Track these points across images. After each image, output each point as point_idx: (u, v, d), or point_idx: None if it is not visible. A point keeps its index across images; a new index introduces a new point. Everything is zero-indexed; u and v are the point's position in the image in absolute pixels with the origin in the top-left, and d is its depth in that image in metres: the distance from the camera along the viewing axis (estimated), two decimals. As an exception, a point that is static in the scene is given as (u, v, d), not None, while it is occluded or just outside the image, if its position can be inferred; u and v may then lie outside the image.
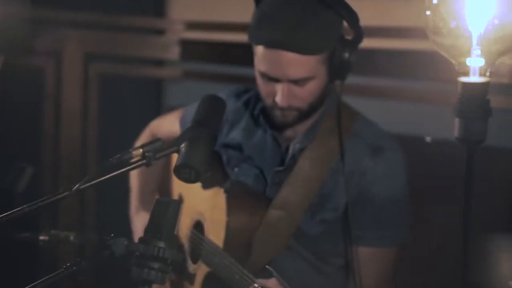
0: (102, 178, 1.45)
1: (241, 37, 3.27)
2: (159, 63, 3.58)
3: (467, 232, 1.08)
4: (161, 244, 1.37)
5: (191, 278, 2.08)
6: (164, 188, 2.36)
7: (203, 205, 2.06)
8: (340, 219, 1.92)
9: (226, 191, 1.98)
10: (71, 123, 3.55)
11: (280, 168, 1.97)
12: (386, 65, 2.69)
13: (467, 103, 0.97)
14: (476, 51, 0.96)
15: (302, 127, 1.96)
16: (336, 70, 1.86)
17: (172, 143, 1.51)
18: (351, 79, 2.81)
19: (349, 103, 2.03)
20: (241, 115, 2.07)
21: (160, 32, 3.53)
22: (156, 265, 1.37)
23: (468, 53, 0.98)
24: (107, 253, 1.35)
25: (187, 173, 1.49)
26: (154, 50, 3.51)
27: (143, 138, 2.39)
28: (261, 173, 2.00)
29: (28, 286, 1.27)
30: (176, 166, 1.50)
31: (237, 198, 1.97)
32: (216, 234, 1.99)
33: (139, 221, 2.22)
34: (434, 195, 2.54)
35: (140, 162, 1.47)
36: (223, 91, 2.12)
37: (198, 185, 2.08)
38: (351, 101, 2.06)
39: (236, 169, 2.05)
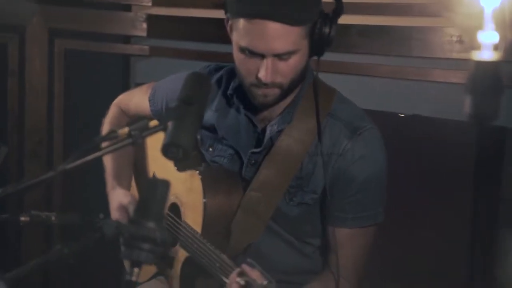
0: (87, 158, 1.42)
1: (210, 13, 3.25)
2: (126, 39, 3.52)
3: (476, 213, 1.07)
4: (151, 225, 1.35)
5: (170, 261, 2.06)
6: (139, 167, 2.32)
7: (178, 187, 2.02)
8: (319, 201, 1.91)
9: (201, 173, 1.95)
10: (36, 99, 3.48)
11: (257, 150, 1.94)
12: (360, 41, 2.69)
13: (479, 80, 0.95)
14: (489, 25, 0.94)
15: (279, 108, 1.92)
16: (317, 44, 1.82)
17: (159, 121, 1.48)
18: (327, 56, 2.82)
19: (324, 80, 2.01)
20: (213, 95, 2.02)
21: (126, 8, 3.46)
22: (146, 246, 1.34)
23: (480, 28, 0.95)
24: (98, 235, 1.32)
25: (175, 152, 1.47)
26: (121, 26, 3.45)
27: (111, 114, 2.34)
28: (237, 153, 1.98)
29: (17, 269, 1.24)
30: (164, 145, 1.47)
31: (213, 181, 1.94)
32: (193, 218, 1.95)
33: (114, 199, 2.19)
34: (408, 170, 2.55)
35: (126, 141, 1.44)
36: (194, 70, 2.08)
37: (172, 166, 2.05)
38: (325, 77, 2.04)
39: (210, 149, 2.02)
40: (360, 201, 1.89)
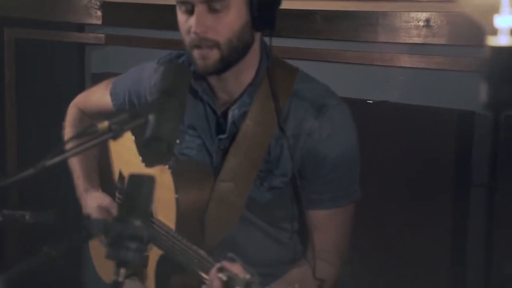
0: (68, 154, 1.36)
1: (167, 0, 3.17)
2: (81, 27, 3.42)
3: (490, 207, 1.05)
4: (138, 223, 1.29)
5: (145, 260, 1.99)
6: (103, 165, 2.25)
7: None
8: (290, 184, 1.88)
9: (171, 167, 1.89)
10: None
11: (223, 136, 1.90)
12: (326, 27, 2.66)
13: (495, 66, 0.92)
14: (507, 8, 0.91)
15: (237, 89, 1.88)
16: (258, 7, 1.78)
17: (139, 114, 1.42)
18: (292, 42, 2.79)
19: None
20: None
21: (80, -6, 3.36)
22: (133, 245, 1.29)
23: (497, 11, 0.92)
24: (84, 235, 1.26)
25: (159, 146, 1.41)
26: (75, 14, 3.34)
27: (71, 115, 2.27)
28: (204, 143, 1.93)
29: (4, 273, 1.17)
30: (146, 139, 1.41)
31: (183, 174, 1.88)
32: (165, 214, 1.89)
33: (92, 201, 2.12)
34: (379, 157, 2.54)
35: (106, 135, 1.38)
36: (155, 59, 2.03)
37: (140, 162, 1.99)
38: (293, 64, 2.00)
39: (178, 142, 1.97)
40: (334, 180, 1.86)
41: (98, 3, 3.30)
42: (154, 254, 1.94)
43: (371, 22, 2.54)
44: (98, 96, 2.20)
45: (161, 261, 1.93)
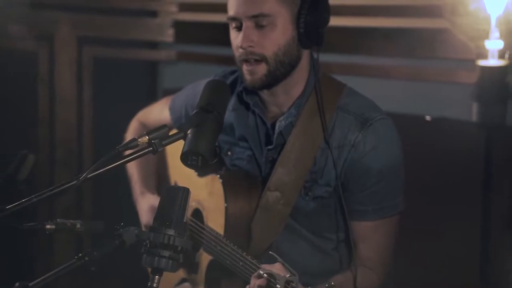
0: (109, 167, 1.45)
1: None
2: (153, 45, 3.56)
3: (486, 218, 1.06)
4: (171, 232, 1.37)
5: (194, 267, 2.08)
6: (161, 175, 2.35)
7: (200, 193, 2.06)
8: (334, 195, 1.93)
9: (221, 177, 1.98)
10: (65, 107, 3.53)
11: (270, 147, 1.97)
12: (384, 44, 2.68)
13: (485, 87, 0.95)
14: (495, 33, 0.94)
15: (286, 103, 1.95)
16: (304, 25, 1.85)
17: (179, 130, 1.50)
18: (350, 58, 2.83)
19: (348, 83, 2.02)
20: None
21: (153, 14, 3.50)
22: (166, 253, 1.36)
23: (486, 36, 0.95)
24: (118, 242, 1.35)
25: (195, 160, 1.49)
26: (148, 32, 3.49)
27: (132, 129, 2.38)
28: (254, 154, 2.01)
29: (40, 278, 1.26)
30: (183, 153, 1.49)
31: (233, 183, 1.97)
32: (215, 221, 1.98)
33: (145, 203, 2.22)
34: (434, 173, 2.54)
35: (146, 150, 1.46)
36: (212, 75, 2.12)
37: (193, 172, 2.08)
38: (350, 80, 2.04)
39: (229, 153, 2.05)
40: (378, 192, 1.90)
41: (171, 22, 3.43)
42: (204, 259, 2.02)
43: (428, 39, 2.55)
44: (158, 111, 2.31)
45: (211, 266, 2.02)
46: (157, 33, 3.46)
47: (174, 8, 3.43)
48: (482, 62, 0.90)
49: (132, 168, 2.30)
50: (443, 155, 2.47)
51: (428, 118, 2.55)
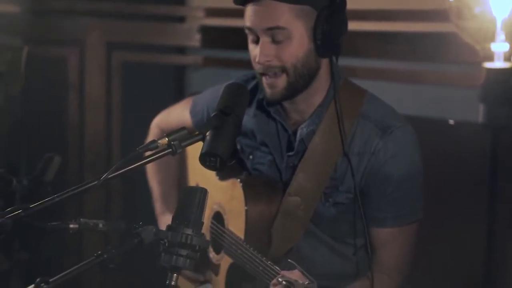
0: (129, 168, 1.48)
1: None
2: (181, 50, 3.60)
3: (491, 220, 1.07)
4: (189, 231, 1.39)
5: (215, 269, 2.10)
6: (181, 179, 2.38)
7: (221, 196, 2.08)
8: (354, 201, 1.93)
9: (242, 181, 2.00)
10: (95, 112, 3.59)
11: (291, 153, 1.98)
12: (407, 48, 2.69)
13: (491, 89, 0.96)
14: (500, 36, 0.95)
15: (308, 110, 1.95)
16: (321, 37, 1.85)
17: (197, 131, 1.53)
18: (373, 63, 2.84)
19: (365, 86, 2.02)
20: (249, 102, 2.04)
21: (180, 19, 3.54)
22: (184, 252, 1.39)
23: (492, 38, 0.97)
24: (136, 241, 1.38)
25: (213, 161, 1.52)
26: (175, 37, 3.53)
27: (153, 134, 2.40)
28: (275, 159, 2.02)
29: (60, 275, 1.30)
30: (201, 154, 1.52)
31: (254, 188, 1.99)
32: (236, 225, 2.00)
33: (165, 223, 2.24)
34: (457, 177, 2.53)
35: (166, 151, 1.49)
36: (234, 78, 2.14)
37: (214, 175, 2.11)
38: (373, 85, 2.06)
39: (250, 157, 2.07)
40: (397, 199, 1.91)
41: (198, 27, 3.47)
42: (225, 262, 2.05)
43: (450, 43, 2.55)
44: (178, 113, 2.32)
45: (232, 269, 2.04)
46: (185, 38, 3.51)
47: (201, 14, 3.47)
48: (488, 64, 0.91)
49: (153, 182, 2.34)
50: (467, 159, 2.46)
51: (451, 122, 2.54)
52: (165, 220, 2.26)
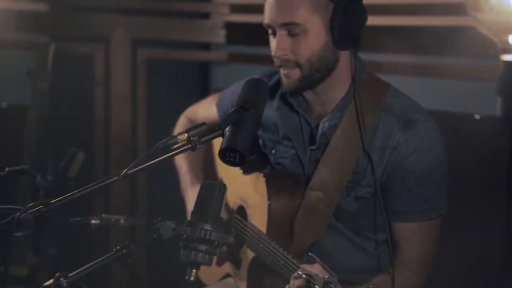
0: (150, 163, 1.48)
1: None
2: (205, 46, 3.61)
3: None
4: (208, 227, 1.40)
5: (237, 262, 2.11)
6: (207, 172, 2.39)
7: (244, 190, 2.09)
8: (376, 195, 1.92)
9: (265, 175, 2.01)
10: (120, 107, 3.61)
11: (313, 147, 1.99)
12: (432, 42, 2.66)
13: (509, 81, 0.94)
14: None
15: (331, 103, 1.96)
16: (338, 30, 1.85)
17: (217, 127, 1.53)
18: (396, 58, 2.82)
19: (389, 81, 2.01)
20: (273, 95, 2.09)
21: (205, 15, 3.55)
22: (203, 247, 1.40)
23: (510, 30, 0.95)
24: (155, 236, 1.38)
25: (232, 157, 1.52)
26: (200, 33, 3.54)
27: (180, 125, 2.43)
28: (298, 153, 2.03)
29: (80, 269, 1.31)
30: (221, 150, 1.52)
31: (277, 182, 2.00)
32: (258, 219, 2.01)
33: (195, 193, 2.26)
34: (483, 171, 2.51)
35: (185, 147, 1.50)
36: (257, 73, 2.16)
37: (238, 170, 2.12)
38: (396, 80, 2.04)
39: (273, 152, 2.08)
40: (420, 194, 1.90)
41: (222, 23, 3.47)
42: (247, 256, 2.05)
43: (475, 37, 2.52)
44: (205, 107, 2.36)
45: (254, 263, 2.05)
46: (209, 34, 3.51)
47: (225, 10, 3.47)
48: (506, 57, 0.90)
49: (181, 161, 2.35)
50: (492, 153, 2.44)
51: (477, 116, 2.52)
52: (193, 191, 2.25)
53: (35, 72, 3.12)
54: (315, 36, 1.86)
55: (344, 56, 1.92)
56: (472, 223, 2.45)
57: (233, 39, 3.49)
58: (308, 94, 1.98)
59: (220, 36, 3.49)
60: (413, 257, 1.92)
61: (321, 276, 1.65)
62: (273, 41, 1.92)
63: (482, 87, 2.56)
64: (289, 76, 1.91)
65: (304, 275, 1.67)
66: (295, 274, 1.72)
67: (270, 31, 1.93)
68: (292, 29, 1.86)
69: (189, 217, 2.21)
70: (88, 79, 3.61)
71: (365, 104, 1.92)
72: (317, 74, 1.90)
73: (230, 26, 3.48)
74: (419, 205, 1.91)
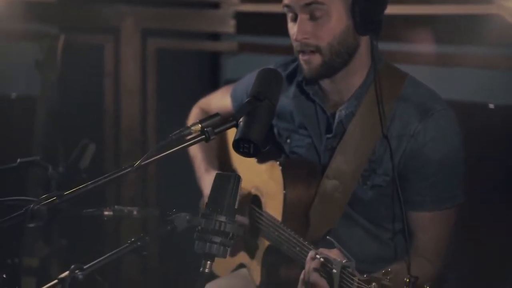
0: (163, 154, 1.47)
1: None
2: (215, 36, 3.59)
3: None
4: (222, 219, 1.39)
5: (252, 252, 2.10)
6: (221, 161, 2.38)
7: (259, 179, 2.08)
8: (392, 184, 1.92)
9: (281, 164, 2.00)
10: (130, 98, 3.59)
11: (330, 135, 1.98)
12: (448, 31, 2.64)
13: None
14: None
15: (347, 91, 1.95)
16: (359, 13, 1.84)
17: (231, 117, 1.51)
18: (413, 47, 2.79)
19: (406, 70, 1.99)
20: (289, 84, 2.08)
21: (215, 5, 3.52)
22: (217, 239, 1.38)
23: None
24: (170, 228, 1.37)
25: (246, 147, 1.50)
26: (210, 23, 3.51)
27: (193, 115, 2.42)
28: (313, 142, 2.01)
29: (95, 261, 1.30)
30: (235, 140, 1.50)
31: (292, 171, 1.99)
32: (274, 207, 2.00)
33: (211, 179, 2.25)
34: (497, 161, 2.49)
35: (199, 138, 1.48)
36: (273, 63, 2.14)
37: (253, 159, 2.10)
38: (414, 69, 2.03)
39: (288, 141, 2.07)
40: (436, 183, 1.89)
41: (232, 13, 3.45)
42: (262, 245, 2.05)
43: (491, 25, 2.49)
44: (219, 98, 2.35)
45: (268, 251, 2.05)
46: (219, 24, 3.49)
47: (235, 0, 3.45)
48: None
49: (195, 150, 2.34)
50: (506, 142, 2.42)
51: (491, 105, 2.50)
52: (209, 177, 2.24)
53: (44, 63, 3.10)
54: (337, 20, 1.85)
55: (364, 43, 1.92)
56: (487, 213, 2.43)
57: (243, 29, 3.46)
58: (325, 83, 1.97)
59: (230, 26, 3.46)
60: (428, 247, 1.91)
61: (339, 260, 1.64)
62: (292, 26, 1.90)
63: (497, 76, 2.54)
64: (309, 62, 1.90)
65: (319, 257, 1.66)
66: (311, 254, 1.71)
67: (290, 15, 1.91)
68: (314, 11, 1.85)
69: (205, 202, 2.23)
70: (98, 70, 3.59)
71: (382, 93, 1.91)
72: (338, 59, 1.89)
73: (240, 16, 3.45)
74: (435, 195, 1.90)
